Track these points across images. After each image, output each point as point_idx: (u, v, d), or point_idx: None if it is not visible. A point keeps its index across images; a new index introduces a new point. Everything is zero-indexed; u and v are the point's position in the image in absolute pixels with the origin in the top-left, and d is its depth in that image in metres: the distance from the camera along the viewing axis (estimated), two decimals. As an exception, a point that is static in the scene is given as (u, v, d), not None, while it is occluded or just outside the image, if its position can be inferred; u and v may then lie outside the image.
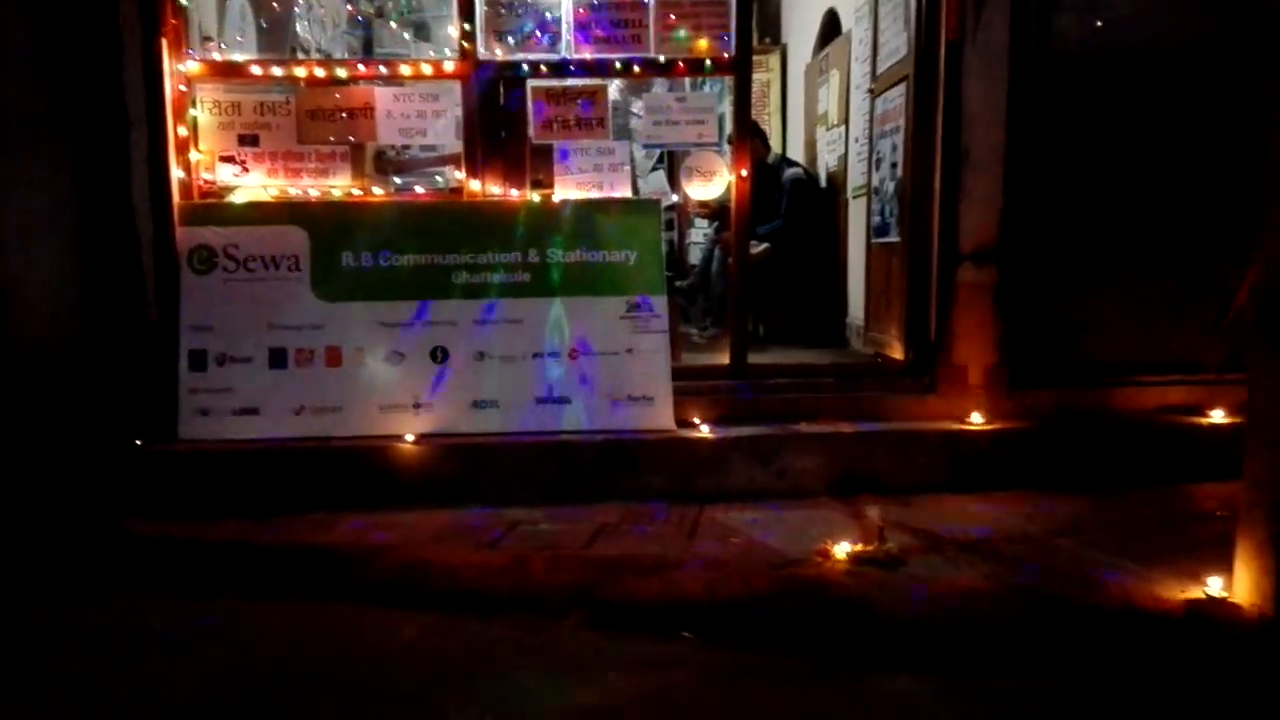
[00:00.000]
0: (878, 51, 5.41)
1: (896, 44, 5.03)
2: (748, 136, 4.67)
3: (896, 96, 5.01)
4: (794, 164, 6.86)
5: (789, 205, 6.53)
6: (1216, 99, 4.61)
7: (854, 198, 6.16)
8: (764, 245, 6.41)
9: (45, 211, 4.29)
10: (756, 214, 5.59)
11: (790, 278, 6.51)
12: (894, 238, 5.10)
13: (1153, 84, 4.61)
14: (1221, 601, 2.87)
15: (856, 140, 6.07)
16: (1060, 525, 3.80)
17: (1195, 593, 2.97)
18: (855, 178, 6.11)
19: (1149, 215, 4.67)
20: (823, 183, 6.96)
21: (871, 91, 5.52)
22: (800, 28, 7.79)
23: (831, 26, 6.87)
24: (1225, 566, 2.96)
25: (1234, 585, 2.90)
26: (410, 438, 4.33)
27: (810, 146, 7.36)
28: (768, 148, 6.93)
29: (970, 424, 4.47)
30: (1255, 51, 4.17)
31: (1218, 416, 4.50)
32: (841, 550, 3.40)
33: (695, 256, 7.68)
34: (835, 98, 6.52)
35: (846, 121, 6.29)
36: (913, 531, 3.75)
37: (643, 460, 4.35)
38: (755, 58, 7.66)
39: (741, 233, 4.71)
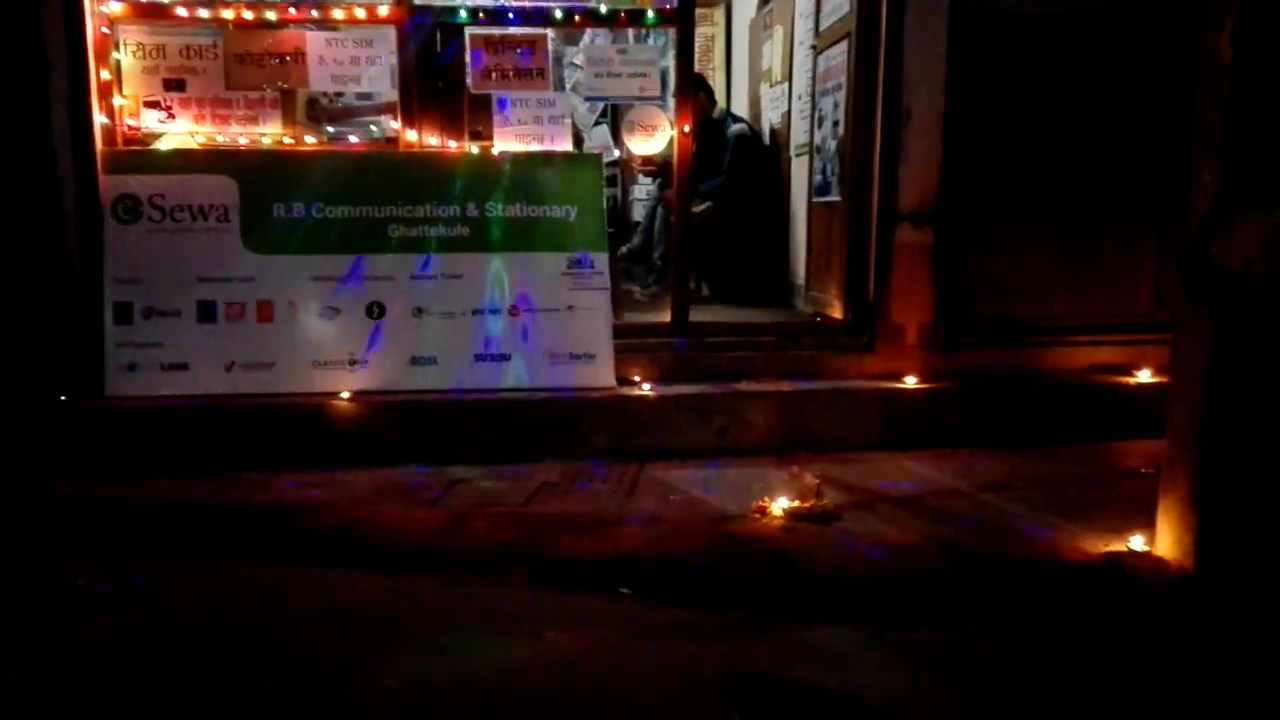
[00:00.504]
0: (821, 7, 5.38)
1: (839, 1, 5.00)
2: (690, 91, 4.63)
3: (838, 54, 4.99)
4: (739, 120, 6.81)
5: (732, 162, 6.49)
6: (1149, 61, 4.68)
7: (796, 156, 6.16)
8: (707, 203, 6.38)
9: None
10: (700, 170, 5.58)
11: (733, 235, 6.50)
12: (835, 197, 5.11)
13: (1088, 45, 4.66)
14: (1143, 555, 2.97)
15: (799, 98, 6.04)
16: (991, 481, 3.89)
17: (1118, 547, 3.06)
18: (798, 136, 6.09)
19: (1082, 176, 4.75)
20: (766, 140, 6.93)
21: (814, 48, 5.50)
22: (745, -18, 7.71)
23: (777, -19, 6.80)
24: (1149, 522, 3.06)
25: (1156, 540, 2.99)
26: (346, 395, 4.26)
27: (755, 103, 7.31)
28: (713, 102, 6.86)
29: (906, 383, 4.54)
30: (1188, 12, 4.28)
31: (1145, 376, 4.62)
32: (778, 506, 3.44)
33: (639, 213, 7.62)
34: (779, 54, 6.48)
35: (790, 78, 6.26)
36: (848, 488, 3.81)
37: (584, 418, 4.34)
38: (700, 11, 7.53)
39: (684, 190, 4.68)
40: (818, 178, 5.46)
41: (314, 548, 3.35)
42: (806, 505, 3.44)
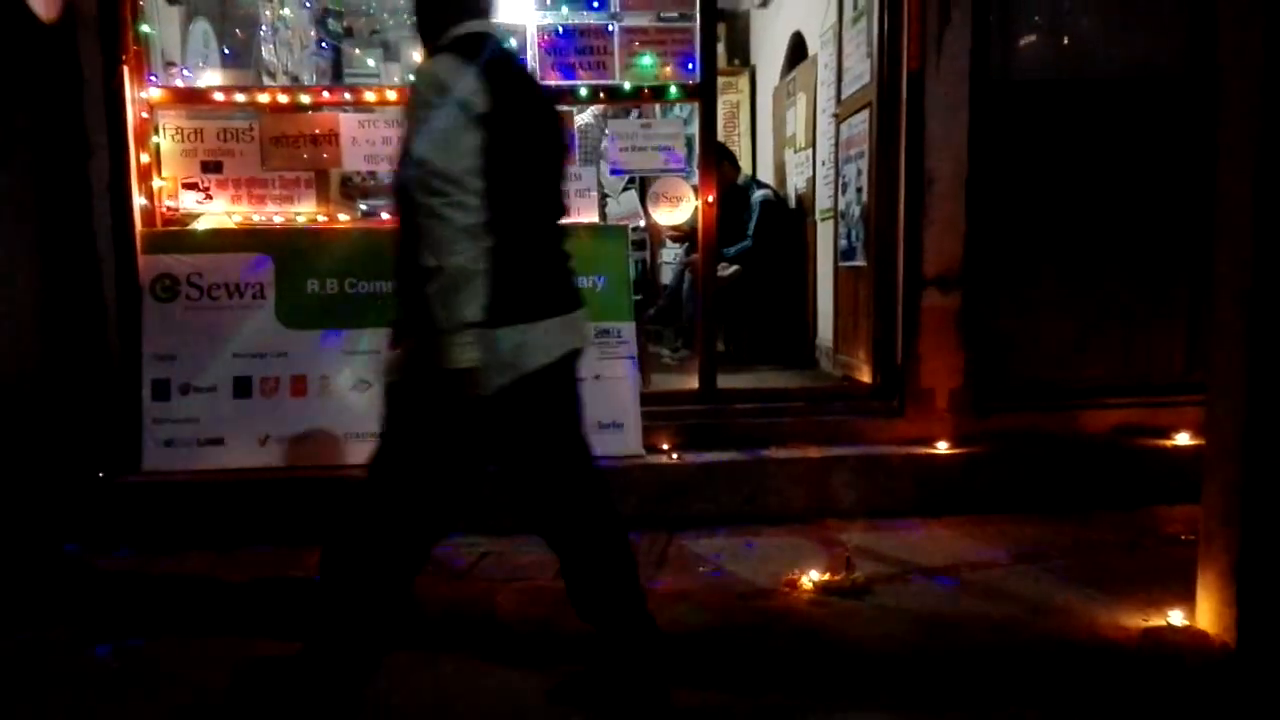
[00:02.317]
0: (842, 77, 5.46)
1: (860, 70, 5.08)
2: (714, 162, 4.70)
3: (860, 122, 5.06)
4: (763, 185, 6.90)
5: (758, 227, 6.56)
6: (1176, 126, 4.70)
7: (821, 220, 6.20)
8: (734, 267, 6.44)
9: (3, 240, 4.22)
10: (726, 235, 5.62)
11: (760, 299, 6.55)
12: (860, 262, 5.13)
13: (1111, 111, 4.68)
14: (1183, 630, 2.91)
15: (823, 163, 6.11)
16: (1024, 550, 3.83)
17: (1157, 621, 3.00)
18: (822, 200, 6.14)
19: (1110, 239, 4.74)
20: (791, 204, 6.99)
21: (836, 116, 5.57)
22: (769, 50, 7.86)
23: (798, 49, 6.93)
24: (1188, 594, 3.00)
25: (1196, 615, 2.93)
26: (376, 467, 4.29)
27: (779, 169, 7.40)
28: (737, 169, 6.96)
29: (937, 448, 4.50)
30: (1209, 82, 4.31)
31: (1181, 439, 4.55)
32: (809, 580, 3.41)
33: (667, 276, 7.69)
34: (803, 121, 6.57)
35: (814, 144, 6.34)
36: (880, 558, 3.77)
37: (612, 487, 4.32)
38: (725, 80, 7.77)
39: (708, 258, 4.73)
40: (843, 242, 5.50)
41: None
42: (837, 579, 3.40)
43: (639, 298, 4.92)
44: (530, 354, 2.38)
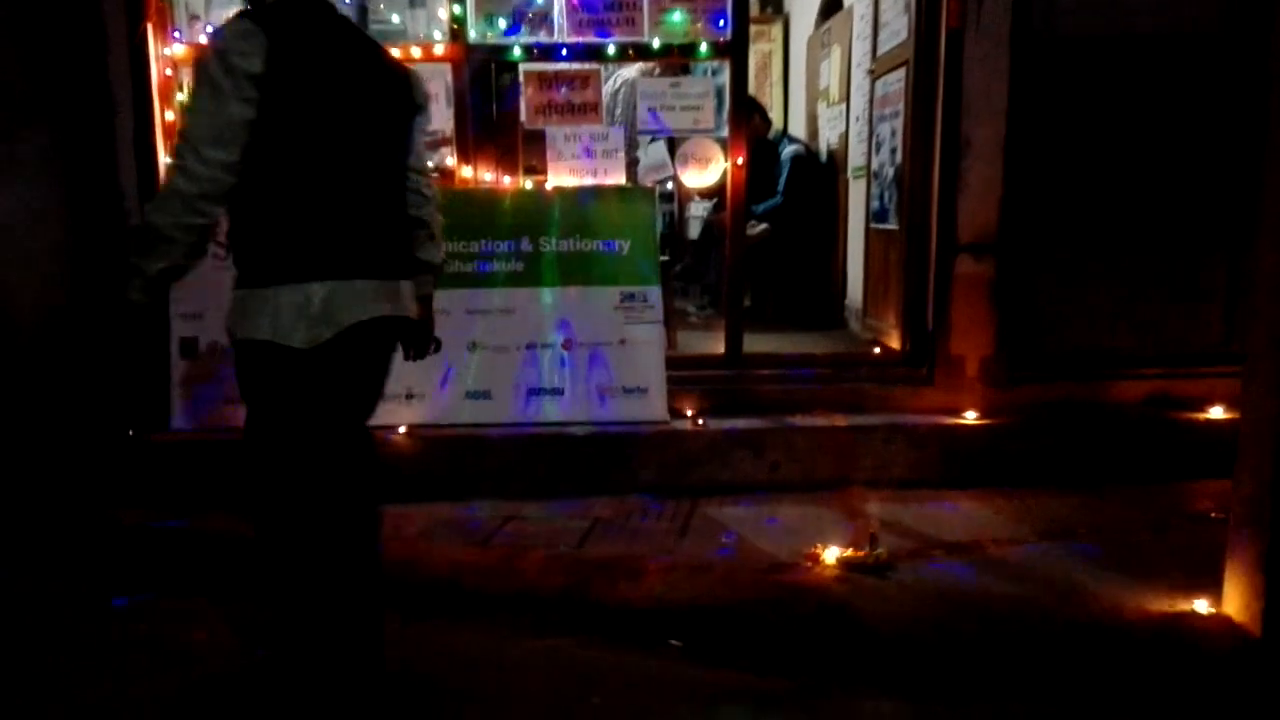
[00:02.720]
0: (878, 31, 5.30)
1: (897, 26, 4.92)
2: (745, 122, 4.60)
3: (896, 80, 4.92)
4: (795, 140, 6.76)
5: (788, 183, 6.45)
6: (1219, 87, 4.52)
7: (854, 178, 6.08)
8: (763, 225, 6.35)
9: (32, 198, 4.23)
10: (755, 191, 5.52)
11: (789, 258, 6.46)
12: (892, 225, 5.03)
13: (1156, 70, 4.51)
14: (1208, 618, 2.87)
15: (856, 119, 5.97)
16: (1051, 526, 3.79)
17: (1184, 606, 2.96)
18: (855, 158, 6.02)
19: (1149, 204, 4.60)
20: (823, 159, 6.85)
21: (871, 73, 5.42)
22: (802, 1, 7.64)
23: (832, 2, 6.73)
24: (1216, 579, 2.95)
25: (1223, 602, 2.89)
26: (402, 429, 4.32)
27: (812, 121, 7.25)
28: (768, 123, 6.82)
29: (966, 418, 4.44)
30: (1259, 42, 4.14)
31: (1215, 412, 4.46)
32: (831, 555, 3.40)
33: (695, 231, 7.60)
34: (836, 74, 6.41)
35: (847, 100, 6.19)
36: (904, 532, 3.74)
37: (636, 453, 4.34)
38: (757, 29, 7.58)
39: (737, 221, 4.66)
40: (875, 203, 5.39)
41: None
42: (860, 555, 3.38)
43: (665, 257, 4.85)
44: (338, 310, 2.35)
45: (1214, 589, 2.95)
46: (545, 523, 3.97)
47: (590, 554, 3.61)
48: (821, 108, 6.97)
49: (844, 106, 6.27)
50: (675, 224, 8.14)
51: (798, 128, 7.63)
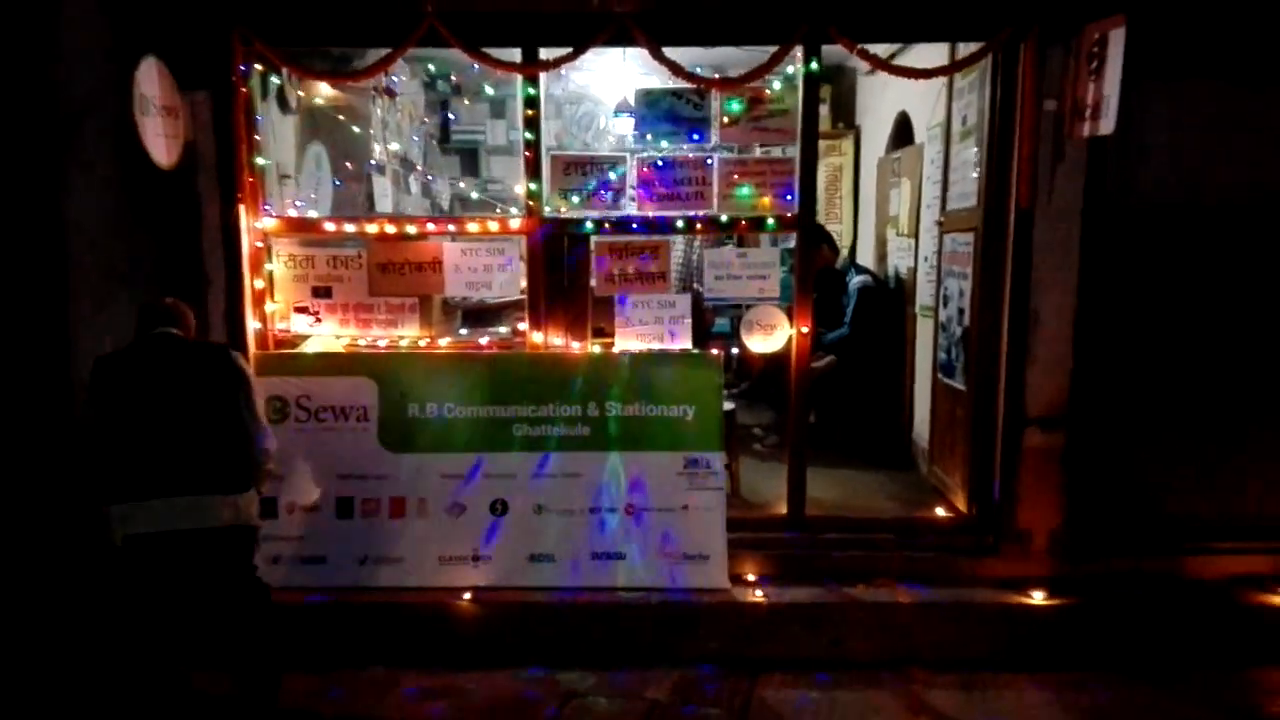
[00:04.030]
0: (948, 187, 5.31)
1: (966, 189, 4.94)
2: (810, 292, 4.64)
3: (965, 243, 4.92)
4: (862, 270, 6.77)
5: (855, 315, 6.46)
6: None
7: (922, 316, 6.06)
8: (829, 357, 6.36)
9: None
10: (822, 318, 5.53)
11: (855, 388, 6.45)
12: (959, 385, 5.01)
13: (1228, 240, 4.46)
14: None
15: (925, 259, 5.97)
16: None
17: None
18: (924, 297, 6.01)
19: (1223, 372, 4.53)
20: (891, 284, 6.85)
21: (940, 224, 5.43)
22: (874, 116, 7.67)
23: (904, 130, 6.75)
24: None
25: None
26: (468, 595, 4.42)
27: (881, 243, 7.25)
28: (836, 252, 6.86)
29: (1033, 597, 4.38)
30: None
31: (1294, 597, 4.34)
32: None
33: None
34: (906, 206, 6.42)
35: (916, 235, 6.19)
36: (966, 736, 3.71)
37: (697, 625, 4.38)
38: (828, 143, 7.66)
39: (800, 391, 4.69)
40: (942, 355, 5.37)
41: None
42: (919, 776, 3.36)
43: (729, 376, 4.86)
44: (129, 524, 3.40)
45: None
46: (604, 703, 4.02)
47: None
48: (890, 233, 6.97)
49: (913, 242, 6.27)
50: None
51: (866, 245, 7.64)
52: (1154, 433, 4.56)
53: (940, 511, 5.00)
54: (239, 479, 3.56)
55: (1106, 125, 3.97)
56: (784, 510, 4.82)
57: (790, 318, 4.68)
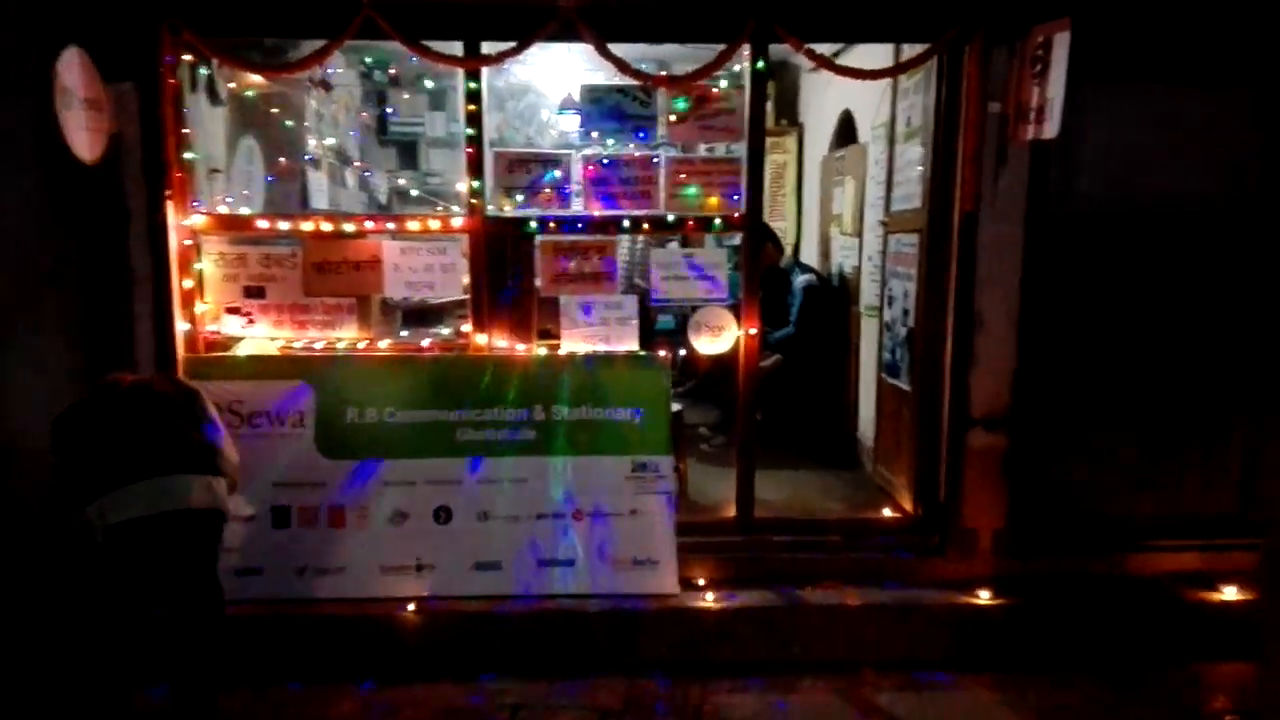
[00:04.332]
0: (892, 187, 5.32)
1: (911, 190, 4.94)
2: (757, 290, 4.60)
3: (909, 244, 4.93)
4: (807, 269, 6.78)
5: (801, 314, 6.47)
6: (1231, 257, 4.55)
7: (866, 315, 6.09)
8: (775, 356, 6.35)
9: (49, 368, 4.27)
10: (767, 318, 5.48)
11: (800, 387, 6.45)
12: (904, 385, 5.03)
13: (1166, 241, 4.52)
14: None
15: (870, 259, 5.98)
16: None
17: None
18: (868, 296, 6.03)
19: (1164, 374, 4.61)
20: (835, 283, 6.87)
21: (885, 225, 5.44)
22: (817, 114, 7.68)
23: (847, 128, 6.77)
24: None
25: None
26: (412, 606, 4.30)
27: (825, 241, 7.27)
28: (780, 251, 6.86)
29: (980, 597, 4.41)
30: (1269, 211, 4.17)
31: (1230, 592, 4.43)
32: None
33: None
34: (850, 206, 6.43)
35: (861, 235, 6.20)
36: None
37: (646, 631, 4.32)
38: (772, 140, 7.61)
39: (749, 392, 4.65)
40: (887, 355, 5.39)
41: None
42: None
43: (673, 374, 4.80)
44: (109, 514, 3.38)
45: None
46: (553, 713, 3.94)
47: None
48: (834, 232, 6.99)
49: (857, 241, 6.29)
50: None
51: (810, 244, 7.66)
52: (1094, 434, 4.62)
53: (887, 512, 5.01)
54: (209, 463, 3.59)
55: (1051, 129, 3.99)
56: (733, 513, 4.78)
57: (738, 318, 4.64)
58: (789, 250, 7.56)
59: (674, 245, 5.81)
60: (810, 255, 7.49)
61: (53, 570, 4.10)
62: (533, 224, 4.52)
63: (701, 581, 4.52)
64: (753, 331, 4.60)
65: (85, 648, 3.97)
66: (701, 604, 4.37)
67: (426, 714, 3.94)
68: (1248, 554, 4.58)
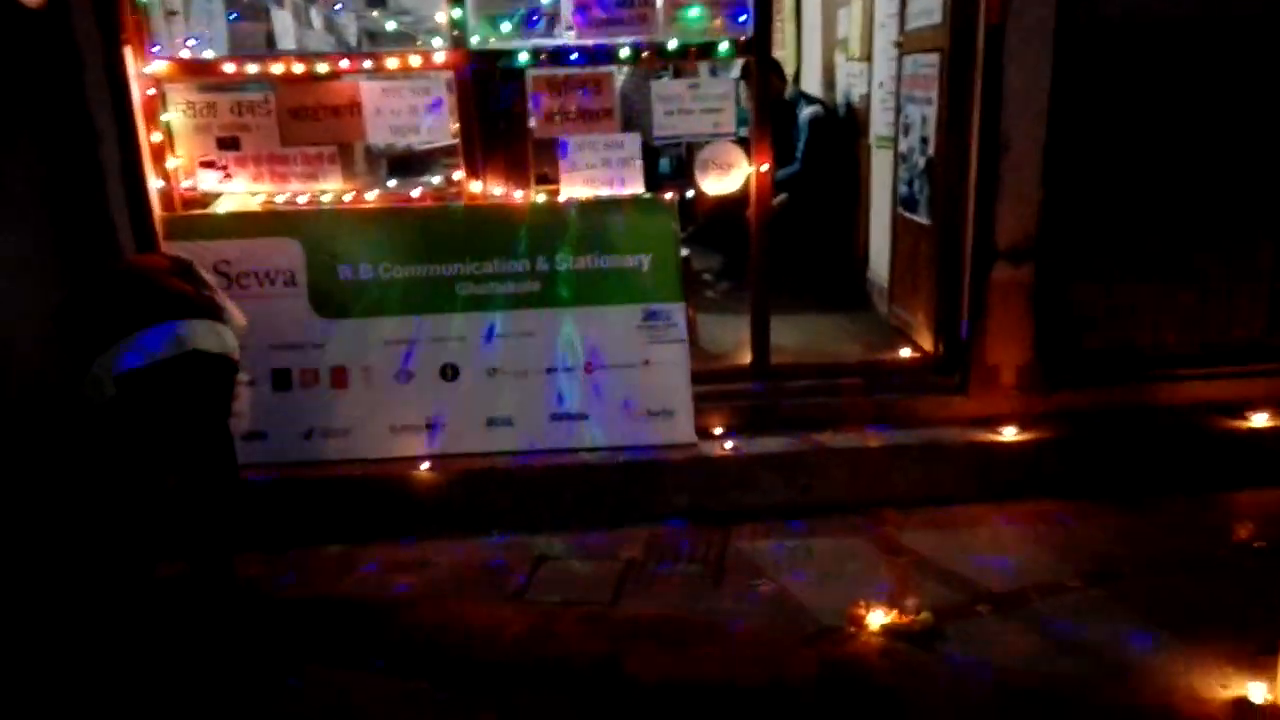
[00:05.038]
0: (906, 3, 4.91)
1: (928, 4, 4.54)
2: (768, 127, 4.31)
3: (928, 64, 4.59)
4: (812, 100, 6.40)
5: (807, 149, 6.15)
6: (1264, 73, 4.23)
7: (878, 147, 5.78)
8: (781, 195, 6.06)
9: (20, 241, 3.99)
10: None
11: (808, 227, 6.20)
12: (923, 219, 4.79)
13: (1204, 57, 4.20)
14: (1264, 711, 2.81)
15: (881, 85, 5.63)
16: (1095, 567, 3.68)
17: (1237, 690, 2.90)
18: (879, 126, 5.71)
19: (1192, 196, 4.37)
20: (841, 114, 6.51)
21: (899, 45, 5.07)
22: (817, -71, 7.11)
23: (853, -58, 6.25)
24: (1266, 645, 2.89)
25: (1278, 687, 2.83)
26: (426, 465, 4.20)
27: (828, 70, 6.86)
28: (784, 81, 6.46)
29: (1003, 434, 4.31)
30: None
31: (1259, 420, 4.34)
32: (876, 619, 3.32)
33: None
34: (858, 28, 6.01)
35: (870, 59, 5.82)
36: (945, 577, 3.67)
37: (665, 479, 4.24)
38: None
39: (761, 235, 4.42)
40: (903, 188, 5.12)
41: (405, 656, 3.34)
42: (905, 621, 3.31)
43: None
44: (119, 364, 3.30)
45: (1267, 668, 2.88)
46: (576, 566, 3.90)
47: (626, 614, 3.54)
48: (839, 58, 6.58)
49: (866, 67, 5.91)
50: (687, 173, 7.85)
51: (812, 73, 7.23)
52: (1121, 262, 4.41)
53: (905, 352, 4.86)
54: (215, 314, 3.54)
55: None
56: (747, 360, 4.63)
57: (748, 154, 4.35)
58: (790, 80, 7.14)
59: (665, 79, 5.42)
60: (812, 85, 7.07)
61: (55, 458, 3.96)
62: (522, 56, 4.16)
63: (719, 430, 4.41)
64: (764, 168, 4.33)
65: (101, 527, 3.89)
66: (720, 452, 4.27)
67: (448, 570, 3.89)
68: (1277, 380, 4.51)
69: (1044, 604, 3.48)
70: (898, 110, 5.15)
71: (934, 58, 4.49)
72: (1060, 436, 4.33)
